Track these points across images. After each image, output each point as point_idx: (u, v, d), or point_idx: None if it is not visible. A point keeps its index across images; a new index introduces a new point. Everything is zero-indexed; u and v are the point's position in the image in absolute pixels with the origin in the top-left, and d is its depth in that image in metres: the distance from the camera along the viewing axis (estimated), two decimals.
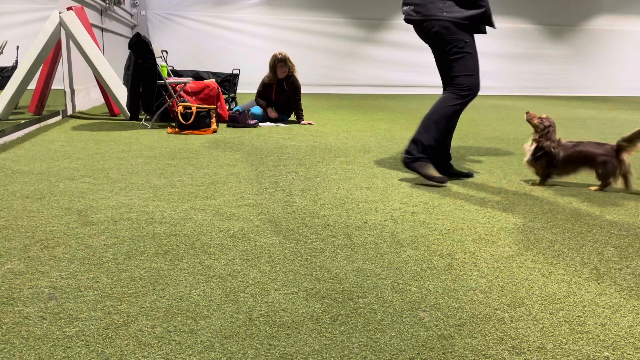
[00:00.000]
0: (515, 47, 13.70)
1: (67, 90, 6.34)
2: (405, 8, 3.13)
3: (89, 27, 6.29)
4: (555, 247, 2.08)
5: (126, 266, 1.79)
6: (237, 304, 1.53)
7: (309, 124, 6.02)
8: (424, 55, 13.15)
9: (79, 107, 6.80)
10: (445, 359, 1.29)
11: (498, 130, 5.85)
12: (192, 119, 5.04)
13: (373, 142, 4.72)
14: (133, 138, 4.68)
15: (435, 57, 3.16)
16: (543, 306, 1.57)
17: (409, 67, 13.14)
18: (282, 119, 6.18)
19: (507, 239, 2.17)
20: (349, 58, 12.64)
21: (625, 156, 2.99)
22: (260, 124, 5.86)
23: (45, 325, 1.39)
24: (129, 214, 2.38)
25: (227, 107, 6.66)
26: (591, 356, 1.31)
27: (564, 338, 1.39)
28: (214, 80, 6.53)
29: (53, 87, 5.71)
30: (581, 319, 1.50)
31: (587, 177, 3.25)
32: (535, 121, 3.11)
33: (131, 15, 11.16)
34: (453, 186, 3.07)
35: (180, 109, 5.10)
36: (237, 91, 7.61)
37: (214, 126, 5.23)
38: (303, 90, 6.23)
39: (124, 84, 6.14)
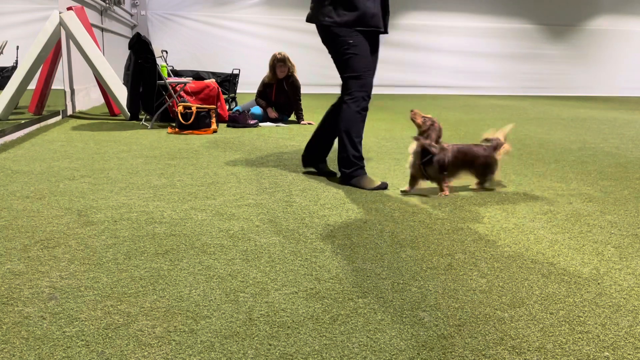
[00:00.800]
0: (515, 47, 13.70)
1: (67, 90, 6.34)
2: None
3: (89, 27, 6.29)
4: (555, 247, 2.08)
5: (126, 266, 1.79)
6: (237, 304, 1.53)
7: (309, 123, 6.02)
8: (424, 55, 13.27)
9: (79, 107, 6.80)
10: (445, 359, 1.29)
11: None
12: (192, 119, 5.04)
13: (373, 142, 4.72)
14: (133, 138, 4.68)
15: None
16: (543, 306, 1.57)
17: (409, 67, 13.15)
18: (282, 119, 6.18)
19: (507, 239, 2.17)
20: None
21: (499, 154, 3.04)
22: (260, 124, 5.86)
23: (45, 325, 1.39)
24: (129, 214, 2.38)
25: (227, 107, 6.66)
26: (591, 356, 1.31)
27: (564, 338, 1.39)
28: (214, 80, 6.53)
29: (53, 87, 5.70)
30: (581, 319, 1.50)
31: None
32: (419, 120, 2.97)
33: (131, 15, 11.16)
34: (453, 186, 3.07)
35: (180, 109, 5.10)
36: (237, 91, 7.61)
37: (214, 126, 5.23)
38: (303, 90, 6.23)
39: (124, 84, 6.13)
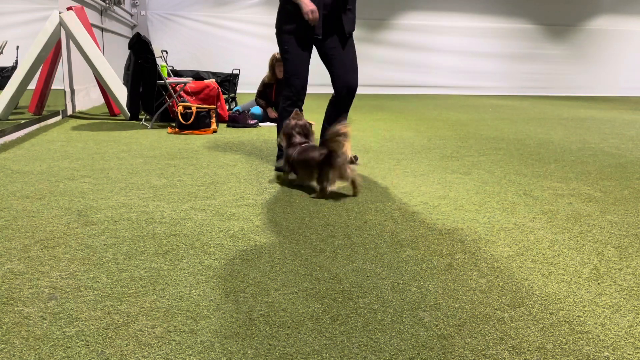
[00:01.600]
0: (516, 47, 13.70)
1: (67, 90, 6.34)
2: None
3: (89, 27, 6.29)
4: (555, 247, 2.08)
5: (126, 266, 1.79)
6: (237, 304, 1.53)
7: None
8: (424, 55, 13.27)
9: (79, 107, 6.80)
10: (445, 359, 1.29)
11: (498, 130, 5.85)
12: (192, 119, 5.04)
13: (373, 142, 4.72)
14: (133, 138, 4.68)
15: None
16: (543, 306, 1.57)
17: (409, 67, 13.15)
18: None
19: (507, 239, 2.17)
20: None
21: (337, 160, 2.66)
22: (260, 124, 5.86)
23: (45, 325, 1.39)
24: (129, 214, 2.38)
25: (227, 107, 6.66)
26: (591, 356, 1.31)
27: (564, 338, 1.39)
28: (214, 80, 6.53)
29: (53, 87, 5.70)
30: (581, 319, 1.50)
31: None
32: (292, 121, 3.09)
33: (131, 15, 11.16)
34: (453, 186, 3.07)
35: (180, 109, 5.10)
36: (237, 91, 7.61)
37: (214, 126, 5.23)
38: None
39: (124, 84, 6.14)
